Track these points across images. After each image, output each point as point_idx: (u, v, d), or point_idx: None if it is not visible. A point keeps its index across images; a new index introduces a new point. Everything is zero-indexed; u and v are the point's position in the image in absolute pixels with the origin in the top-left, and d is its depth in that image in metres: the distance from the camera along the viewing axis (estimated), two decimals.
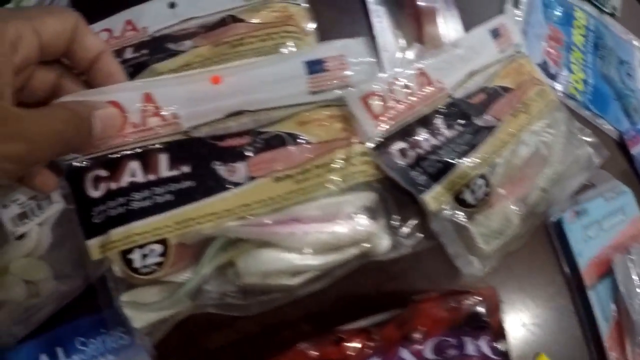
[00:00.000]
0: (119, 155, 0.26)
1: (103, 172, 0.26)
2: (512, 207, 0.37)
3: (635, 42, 0.64)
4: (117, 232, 0.26)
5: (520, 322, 0.39)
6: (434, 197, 0.33)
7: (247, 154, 0.28)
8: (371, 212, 0.30)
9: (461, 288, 0.33)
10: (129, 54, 0.35)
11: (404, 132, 0.34)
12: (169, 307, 0.27)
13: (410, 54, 0.44)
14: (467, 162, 0.34)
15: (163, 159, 0.27)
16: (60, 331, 0.33)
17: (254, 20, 0.38)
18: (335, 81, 0.30)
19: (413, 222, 0.32)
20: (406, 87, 0.34)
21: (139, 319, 0.27)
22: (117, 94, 0.26)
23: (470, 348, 0.30)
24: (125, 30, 0.37)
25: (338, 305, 0.34)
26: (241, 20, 0.38)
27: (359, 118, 0.31)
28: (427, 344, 0.30)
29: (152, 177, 0.27)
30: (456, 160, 0.34)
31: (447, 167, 0.34)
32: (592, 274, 0.41)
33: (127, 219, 0.26)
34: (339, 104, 0.31)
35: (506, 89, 0.40)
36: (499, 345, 0.31)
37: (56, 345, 0.32)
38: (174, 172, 0.27)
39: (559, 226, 0.42)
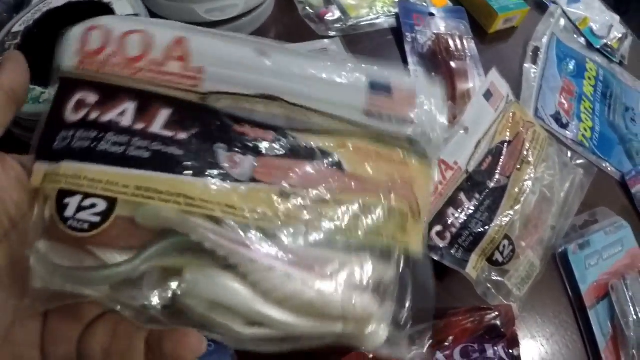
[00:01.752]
0: (117, 85, 0.22)
1: (92, 97, 0.22)
2: (532, 253, 0.44)
3: None
4: (67, 166, 0.21)
5: (530, 335, 0.46)
6: (473, 267, 0.40)
7: (260, 149, 0.22)
8: (380, 291, 0.23)
9: (483, 305, 0.41)
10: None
11: (439, 217, 0.40)
12: (80, 282, 0.20)
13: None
14: (492, 227, 0.42)
15: (163, 114, 0.22)
16: None
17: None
18: (397, 113, 0.24)
19: (423, 328, 0.27)
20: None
21: (40, 279, 0.20)
22: (148, 26, 0.23)
23: (490, 352, 0.39)
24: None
25: None
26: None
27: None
28: (456, 349, 0.39)
29: (139, 126, 0.22)
30: (483, 228, 0.41)
31: (478, 237, 0.41)
32: (592, 297, 0.48)
33: (87, 157, 0.21)
34: (394, 143, 0.24)
35: (506, 143, 0.46)
36: (513, 351, 0.40)
37: None
38: (166, 133, 0.22)
39: (564, 256, 0.49)
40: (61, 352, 0.22)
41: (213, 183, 0.21)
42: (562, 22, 0.70)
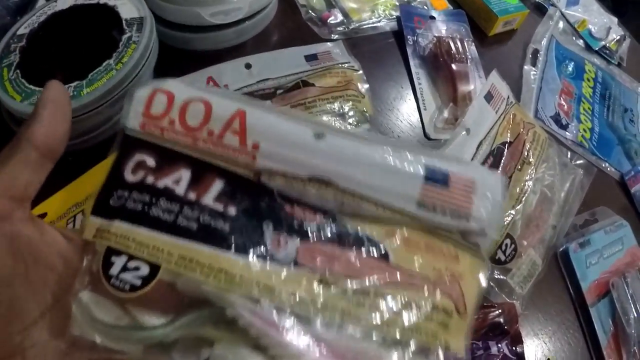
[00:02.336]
0: (176, 151, 0.23)
1: (151, 160, 0.23)
2: (534, 252, 0.45)
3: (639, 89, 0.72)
4: (119, 226, 0.21)
5: (533, 333, 0.46)
6: None
7: (307, 232, 0.22)
8: None
9: (487, 303, 0.42)
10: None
11: None
12: (115, 339, 0.21)
13: (445, 113, 0.53)
14: None
15: (216, 185, 0.23)
16: None
17: (321, 84, 0.45)
18: (452, 206, 0.23)
19: None
20: None
21: (79, 326, 0.21)
22: (210, 96, 0.24)
23: (494, 349, 0.39)
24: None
25: None
26: (311, 85, 0.46)
27: None
28: None
29: (192, 195, 0.22)
30: None
31: None
32: (593, 294, 0.49)
33: (138, 220, 0.22)
34: (447, 236, 0.23)
35: (507, 144, 0.47)
36: (517, 348, 0.40)
37: None
38: (217, 205, 0.22)
39: (566, 255, 0.50)
40: None
41: (255, 263, 0.21)
42: (561, 24, 0.71)
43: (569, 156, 0.55)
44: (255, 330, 0.20)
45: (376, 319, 0.21)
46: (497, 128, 0.47)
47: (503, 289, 0.44)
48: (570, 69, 0.66)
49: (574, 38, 0.71)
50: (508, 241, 0.44)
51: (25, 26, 0.44)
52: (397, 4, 0.61)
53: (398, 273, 0.22)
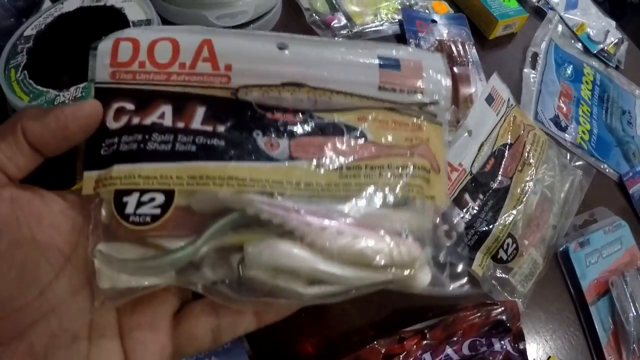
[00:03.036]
0: (152, 89, 0.23)
1: (129, 105, 0.23)
2: (535, 251, 0.46)
3: (637, 92, 0.72)
4: (119, 169, 0.22)
5: (535, 331, 0.47)
6: (479, 265, 0.42)
7: (293, 131, 0.24)
8: (419, 238, 0.25)
9: (490, 301, 0.43)
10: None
11: (444, 216, 0.42)
12: (148, 271, 0.22)
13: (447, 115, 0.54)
14: (496, 226, 0.43)
15: (199, 112, 0.23)
16: None
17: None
18: (407, 84, 0.26)
19: (462, 263, 0.28)
20: None
21: (107, 278, 0.21)
22: (172, 33, 0.24)
23: (497, 346, 0.40)
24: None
25: (396, 314, 0.43)
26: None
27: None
28: (465, 342, 0.40)
29: (180, 124, 0.23)
30: (488, 227, 0.43)
31: (483, 236, 0.43)
32: (593, 293, 0.50)
33: (137, 157, 0.22)
34: (409, 112, 0.26)
35: (507, 145, 0.48)
36: (519, 345, 0.41)
37: None
38: (206, 127, 0.23)
39: (566, 254, 0.50)
40: (150, 340, 0.23)
41: (257, 165, 0.23)
42: (560, 28, 0.72)
43: (568, 157, 0.56)
44: (278, 218, 0.22)
45: (373, 185, 0.24)
46: (498, 130, 0.48)
47: (505, 287, 0.44)
48: (569, 72, 0.67)
49: (572, 41, 0.72)
50: (510, 240, 0.44)
51: (32, 27, 0.44)
52: (400, 7, 0.62)
53: (378, 147, 0.25)
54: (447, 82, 0.27)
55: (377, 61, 0.26)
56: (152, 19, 0.45)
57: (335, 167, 0.24)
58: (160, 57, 0.24)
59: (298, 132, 0.24)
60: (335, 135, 0.25)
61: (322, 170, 0.24)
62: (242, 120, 0.24)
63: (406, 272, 0.24)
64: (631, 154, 0.63)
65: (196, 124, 0.23)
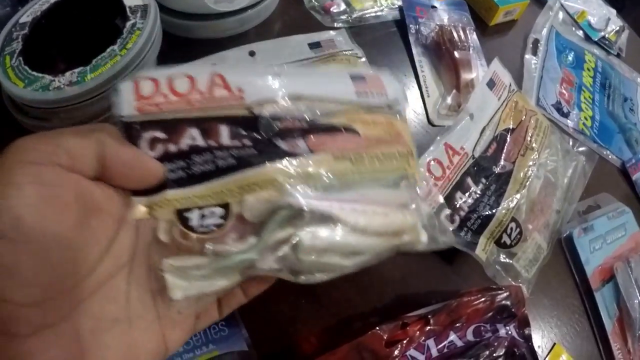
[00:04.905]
0: (177, 118, 0.25)
1: (160, 134, 0.24)
2: (539, 236, 0.45)
3: (639, 80, 0.72)
4: (174, 193, 0.24)
5: (539, 317, 0.47)
6: (482, 249, 0.41)
7: (306, 133, 0.28)
8: (415, 208, 0.30)
9: (494, 286, 0.42)
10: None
11: (447, 200, 0.41)
12: (218, 274, 0.25)
13: (449, 100, 0.54)
14: (499, 210, 0.43)
15: (224, 130, 0.25)
16: None
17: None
18: (375, 90, 0.31)
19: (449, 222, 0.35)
20: (439, 162, 0.42)
21: (178, 289, 0.23)
22: (185, 69, 0.26)
23: (502, 331, 0.39)
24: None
25: (398, 300, 0.43)
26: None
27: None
28: (469, 328, 0.39)
29: (212, 142, 0.25)
30: (491, 211, 0.42)
31: (486, 220, 0.42)
32: (597, 279, 0.49)
33: (186, 182, 0.24)
34: (380, 110, 0.31)
35: (509, 130, 0.47)
36: (525, 331, 0.40)
37: None
38: (235, 142, 0.25)
39: (570, 240, 0.50)
40: (180, 321, 0.25)
41: (288, 163, 0.26)
42: (561, 15, 0.71)
43: (570, 143, 0.55)
44: (319, 208, 0.25)
45: (378, 170, 0.29)
46: (500, 114, 0.48)
47: (509, 272, 0.44)
48: (570, 58, 0.66)
49: (573, 29, 0.72)
50: (513, 225, 0.44)
51: (27, 14, 0.44)
52: None
53: (370, 140, 0.30)
54: (399, 88, 0.33)
55: (348, 76, 0.31)
56: (149, 4, 0.45)
57: (346, 157, 0.28)
58: (179, 88, 0.26)
59: (309, 133, 0.28)
60: (336, 133, 0.29)
61: (338, 161, 0.27)
62: (261, 132, 0.27)
63: (411, 237, 0.30)
64: (634, 140, 0.63)
65: (225, 140, 0.25)
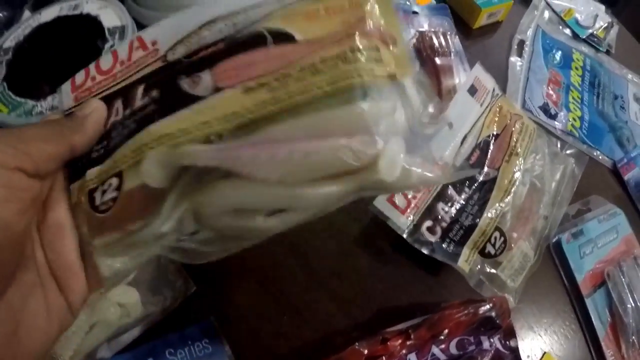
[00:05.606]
0: (106, 94, 0.26)
1: None
2: (525, 243, 0.44)
3: (629, 76, 0.70)
4: (91, 172, 0.24)
5: (528, 326, 0.46)
6: (465, 260, 0.40)
7: (215, 59, 0.23)
8: (384, 129, 0.21)
9: (477, 297, 0.41)
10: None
11: (428, 211, 0.40)
12: (137, 248, 0.23)
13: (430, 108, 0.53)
14: (483, 220, 0.42)
15: (139, 90, 0.25)
16: (152, 344, 0.37)
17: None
18: None
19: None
20: None
21: (106, 267, 0.23)
22: (117, 47, 0.27)
23: (486, 344, 0.38)
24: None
25: (380, 314, 0.42)
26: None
27: (390, 217, 0.36)
28: (452, 341, 0.39)
29: (127, 112, 0.24)
30: (474, 221, 0.42)
31: (469, 231, 0.41)
32: (588, 285, 0.48)
33: (103, 158, 0.24)
34: None
35: (493, 136, 0.46)
36: (510, 342, 0.39)
37: (149, 356, 0.36)
38: (145, 100, 0.24)
39: (558, 246, 0.49)
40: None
41: (182, 113, 0.22)
42: (547, 14, 0.70)
43: (559, 146, 0.54)
44: (208, 160, 0.21)
45: (307, 91, 0.21)
46: (483, 121, 0.47)
47: (494, 282, 0.43)
48: (557, 58, 0.65)
49: (560, 27, 0.71)
50: (497, 234, 0.43)
51: (11, 39, 0.44)
52: None
53: (309, 46, 0.22)
54: None
55: None
56: (127, 25, 0.45)
57: (262, 83, 0.21)
58: (104, 66, 0.27)
59: (218, 58, 0.23)
60: (260, 46, 0.22)
61: (249, 94, 0.22)
62: (170, 77, 0.24)
63: (372, 171, 0.21)
64: (625, 139, 0.62)
65: (138, 103, 0.24)
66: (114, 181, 0.23)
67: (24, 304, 0.22)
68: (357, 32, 0.21)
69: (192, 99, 0.22)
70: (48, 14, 0.45)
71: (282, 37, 0.22)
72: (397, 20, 0.23)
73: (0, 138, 0.21)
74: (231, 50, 0.23)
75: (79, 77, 0.27)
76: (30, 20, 0.45)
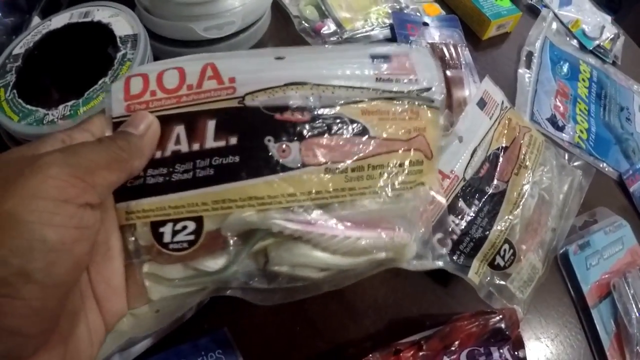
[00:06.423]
0: (165, 114, 0.25)
1: None
2: (534, 255, 0.45)
3: (635, 87, 0.71)
4: (150, 202, 0.24)
5: (535, 336, 0.46)
6: (475, 272, 0.41)
7: (304, 133, 0.25)
8: (409, 225, 0.28)
9: (487, 309, 0.42)
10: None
11: (439, 224, 0.40)
12: (192, 287, 0.25)
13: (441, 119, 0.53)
14: (492, 232, 0.42)
15: (210, 126, 0.25)
16: (165, 355, 0.36)
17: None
18: (401, 74, 0.28)
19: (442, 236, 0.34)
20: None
21: (156, 292, 0.25)
22: (178, 62, 0.26)
23: (495, 355, 0.39)
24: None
25: (392, 325, 0.43)
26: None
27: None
28: (462, 352, 0.39)
29: (196, 146, 0.24)
30: (484, 234, 0.42)
31: (479, 243, 0.42)
32: (594, 296, 0.49)
33: (164, 190, 0.24)
34: (406, 97, 0.28)
35: (502, 149, 0.47)
36: (519, 353, 0.40)
37: None
38: (220, 143, 0.24)
39: (565, 257, 0.50)
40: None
41: (272, 179, 0.25)
42: (555, 25, 0.71)
43: (566, 158, 0.55)
44: (298, 233, 0.25)
45: (376, 185, 0.26)
46: (492, 134, 0.47)
47: (504, 294, 0.44)
48: (565, 69, 0.66)
49: (567, 38, 0.71)
50: (507, 246, 0.44)
51: (20, 46, 0.44)
52: (390, 11, 0.62)
53: (379, 143, 0.27)
54: (436, 68, 0.29)
55: (369, 57, 0.28)
56: (139, 33, 0.45)
57: (342, 170, 0.26)
58: (168, 84, 0.26)
59: (307, 132, 0.26)
60: (341, 132, 0.26)
61: (330, 176, 0.25)
62: (252, 127, 0.25)
63: (397, 254, 0.29)
64: (631, 151, 0.62)
65: (209, 140, 0.25)
66: (191, 225, 0.24)
67: (72, 330, 0.21)
68: (413, 147, 0.28)
69: (281, 168, 0.25)
70: (58, 21, 0.45)
71: (360, 129, 0.27)
72: (439, 137, 0.29)
73: (64, 166, 0.19)
74: (316, 128, 0.26)
75: (135, 85, 0.25)
76: (40, 27, 0.45)
